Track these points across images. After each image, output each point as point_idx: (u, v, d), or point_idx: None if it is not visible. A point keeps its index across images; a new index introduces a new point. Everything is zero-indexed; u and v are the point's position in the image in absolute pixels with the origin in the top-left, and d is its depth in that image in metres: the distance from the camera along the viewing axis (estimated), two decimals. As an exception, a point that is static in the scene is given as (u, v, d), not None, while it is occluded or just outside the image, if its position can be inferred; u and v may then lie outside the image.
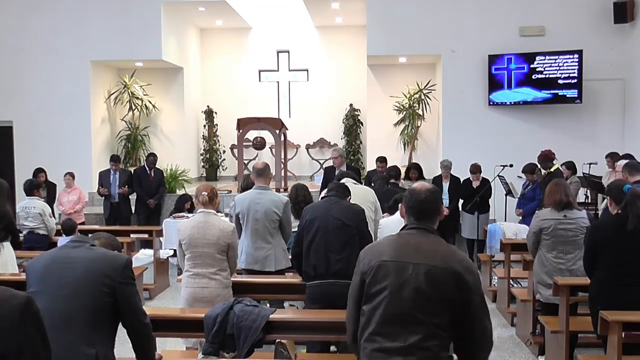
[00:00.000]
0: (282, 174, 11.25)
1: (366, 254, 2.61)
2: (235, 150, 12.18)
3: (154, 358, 2.99)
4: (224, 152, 14.27)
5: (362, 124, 13.84)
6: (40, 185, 7.85)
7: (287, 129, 11.30)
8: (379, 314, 2.43)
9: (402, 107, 12.20)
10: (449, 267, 2.41)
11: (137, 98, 12.46)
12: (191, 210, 9.07)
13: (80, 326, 2.67)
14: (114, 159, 10.21)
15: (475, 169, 9.24)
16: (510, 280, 6.95)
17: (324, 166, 12.91)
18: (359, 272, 2.58)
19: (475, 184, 9.19)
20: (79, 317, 2.67)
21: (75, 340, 2.65)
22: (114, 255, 2.86)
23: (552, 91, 10.69)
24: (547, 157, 8.60)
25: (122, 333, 2.86)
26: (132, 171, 10.58)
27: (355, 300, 2.59)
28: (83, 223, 9.64)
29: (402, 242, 2.54)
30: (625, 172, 5.41)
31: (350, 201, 4.98)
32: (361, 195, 5.60)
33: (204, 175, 14.23)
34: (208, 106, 14.22)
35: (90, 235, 3.13)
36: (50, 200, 9.21)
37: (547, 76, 10.65)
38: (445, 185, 9.34)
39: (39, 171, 9.44)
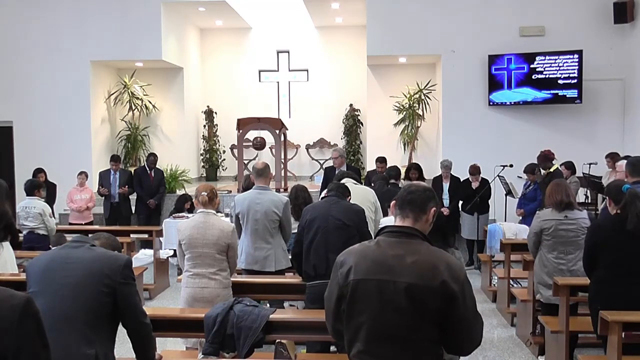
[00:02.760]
0: (282, 174, 11.25)
1: (342, 261, 2.43)
2: (235, 150, 12.18)
3: (153, 358, 2.99)
4: (224, 152, 14.27)
5: (362, 124, 13.84)
6: (41, 186, 7.84)
7: (287, 129, 11.30)
8: (364, 334, 2.33)
9: (402, 107, 12.20)
10: (432, 280, 2.25)
11: (137, 98, 12.46)
12: (191, 210, 9.07)
13: (80, 326, 2.67)
14: (114, 159, 10.22)
15: (474, 170, 9.25)
16: (510, 280, 6.95)
17: (324, 166, 12.91)
18: (336, 281, 2.42)
19: (474, 185, 9.19)
20: (78, 317, 2.68)
21: (74, 340, 2.65)
22: (114, 255, 2.86)
23: (552, 91, 10.68)
24: (546, 157, 8.60)
25: (121, 333, 2.86)
26: (133, 171, 10.58)
27: (333, 312, 2.46)
28: (92, 222, 9.65)
29: (381, 254, 2.35)
30: (627, 169, 5.37)
31: (351, 201, 4.99)
32: (361, 195, 5.60)
33: (204, 175, 14.23)
34: (208, 106, 14.22)
35: (90, 235, 3.14)
36: (50, 200, 9.20)
37: (547, 76, 10.65)
38: (446, 186, 9.35)
39: (38, 171, 9.45)
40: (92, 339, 2.68)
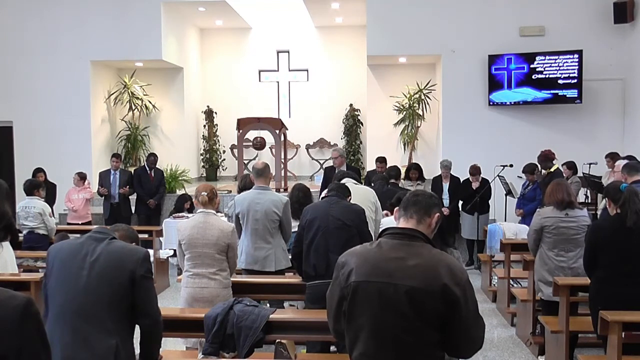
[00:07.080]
0: (282, 174, 11.25)
1: (344, 262, 2.42)
2: (235, 150, 12.18)
3: (157, 358, 3.01)
4: (224, 152, 14.28)
5: (362, 124, 13.84)
6: (40, 185, 7.83)
7: (287, 129, 11.30)
8: (365, 336, 2.33)
9: (402, 107, 12.20)
10: (433, 283, 2.24)
11: (137, 98, 12.46)
12: (191, 210, 9.07)
13: (101, 317, 2.73)
14: (116, 155, 10.25)
15: (475, 170, 9.25)
16: (510, 280, 6.95)
17: (324, 166, 12.91)
18: (337, 282, 2.42)
19: (474, 185, 9.19)
20: (99, 309, 2.73)
21: (95, 330, 2.71)
22: (133, 249, 2.92)
23: (552, 91, 10.68)
24: (547, 157, 8.60)
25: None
26: (133, 171, 10.58)
27: (334, 312, 2.45)
28: (90, 223, 9.63)
29: (382, 257, 2.34)
30: (624, 172, 5.43)
31: (351, 201, 4.98)
32: (362, 195, 5.59)
33: (204, 175, 14.23)
34: (208, 106, 14.22)
35: (110, 226, 3.21)
36: (50, 200, 9.19)
37: (547, 76, 10.64)
38: (445, 186, 9.35)
39: (37, 171, 9.44)
40: (112, 329, 2.73)
